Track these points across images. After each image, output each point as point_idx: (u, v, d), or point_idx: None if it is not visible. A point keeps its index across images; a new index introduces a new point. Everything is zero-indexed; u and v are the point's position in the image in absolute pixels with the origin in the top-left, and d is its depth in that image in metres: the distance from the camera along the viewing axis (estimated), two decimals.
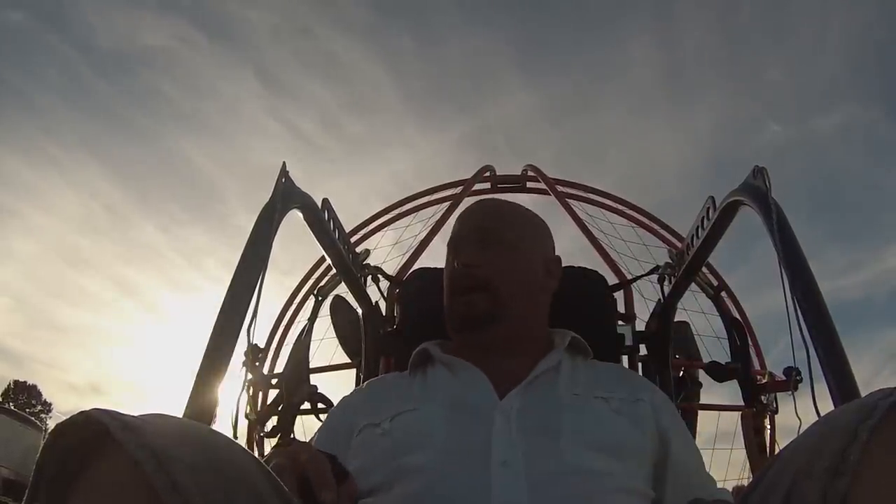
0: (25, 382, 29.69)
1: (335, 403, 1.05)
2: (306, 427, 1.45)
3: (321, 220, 1.17)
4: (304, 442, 0.73)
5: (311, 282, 2.02)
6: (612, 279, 1.51)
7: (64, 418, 0.51)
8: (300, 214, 1.11)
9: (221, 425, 0.91)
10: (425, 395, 0.88)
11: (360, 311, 1.44)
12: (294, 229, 1.12)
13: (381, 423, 0.83)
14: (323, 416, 1.32)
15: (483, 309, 0.92)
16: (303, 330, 1.52)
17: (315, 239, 1.18)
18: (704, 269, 1.51)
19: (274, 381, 1.46)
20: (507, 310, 0.93)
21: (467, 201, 2.15)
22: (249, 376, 1.38)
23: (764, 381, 1.42)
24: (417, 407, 0.84)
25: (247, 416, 1.39)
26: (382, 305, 1.46)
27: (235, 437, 1.07)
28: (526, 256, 0.99)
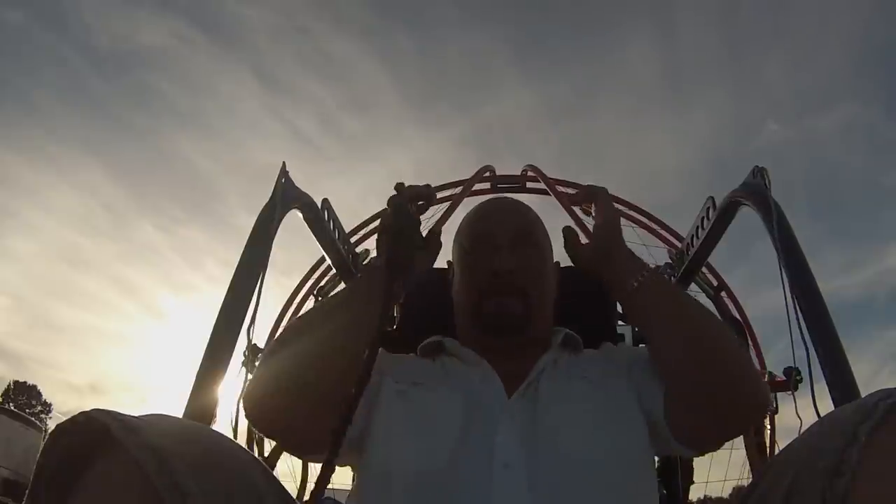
0: (25, 383, 29.73)
1: None
2: None
3: (321, 220, 1.17)
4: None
5: (311, 282, 2.02)
6: None
7: (64, 418, 0.51)
8: (300, 214, 1.11)
9: (221, 425, 0.91)
10: (443, 378, 0.89)
11: None
12: (294, 229, 1.12)
13: (400, 382, 0.84)
14: None
15: (517, 314, 0.92)
16: None
17: (315, 239, 1.18)
18: (704, 269, 1.51)
19: None
20: (535, 317, 0.93)
21: (467, 201, 2.16)
22: (249, 376, 1.38)
23: (764, 380, 1.42)
24: (435, 387, 0.85)
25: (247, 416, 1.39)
26: None
27: (235, 437, 1.07)
28: (549, 264, 1.00)
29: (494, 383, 0.85)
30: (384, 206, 0.83)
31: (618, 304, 1.38)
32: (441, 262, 1.15)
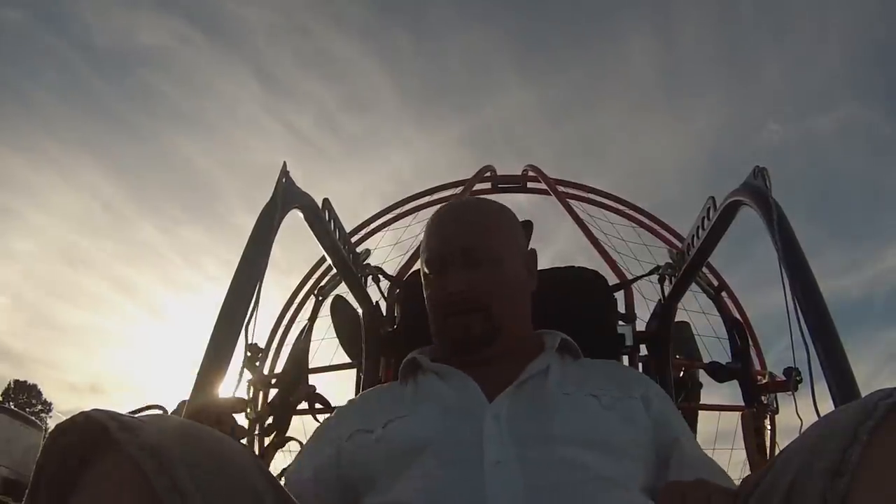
0: (25, 382, 29.74)
1: (333, 404, 1.06)
2: (306, 427, 1.45)
3: (322, 220, 1.17)
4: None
5: (311, 282, 2.03)
6: (612, 279, 1.51)
7: (64, 418, 0.51)
8: (300, 214, 1.11)
9: None
10: (416, 401, 0.89)
11: (360, 311, 1.44)
12: (294, 229, 1.12)
13: (374, 430, 0.83)
14: (321, 417, 1.32)
15: (480, 330, 0.91)
16: (303, 330, 1.52)
17: (315, 239, 1.18)
18: (705, 270, 1.51)
19: (274, 381, 1.46)
20: (501, 327, 0.93)
21: None
22: (249, 376, 1.38)
23: (764, 381, 1.42)
24: (409, 413, 0.85)
25: (246, 416, 1.39)
26: (383, 305, 1.46)
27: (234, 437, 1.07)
28: (512, 267, 0.97)
29: (471, 389, 0.85)
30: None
31: (618, 304, 1.38)
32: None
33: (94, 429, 0.47)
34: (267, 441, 1.37)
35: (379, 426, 0.83)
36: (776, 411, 1.51)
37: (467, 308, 0.92)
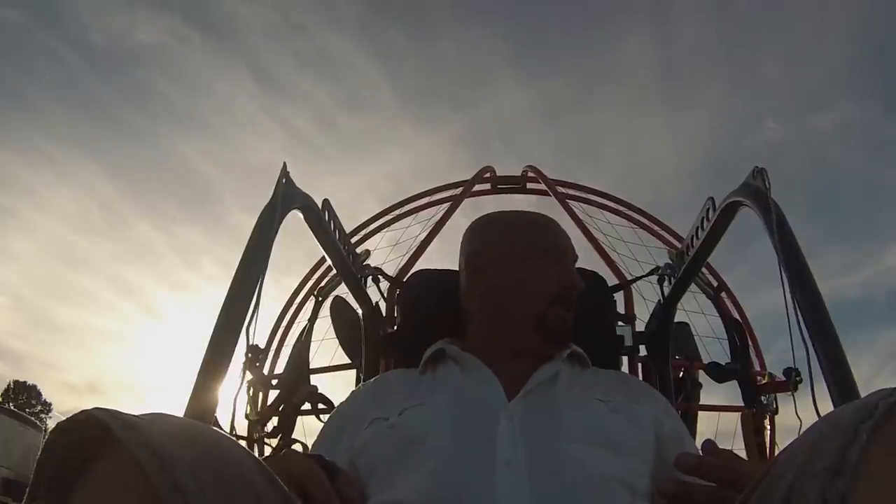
0: (25, 382, 29.72)
1: (335, 403, 1.06)
2: (307, 427, 1.45)
3: (322, 221, 1.17)
4: (296, 451, 0.73)
5: (311, 282, 2.03)
6: (611, 280, 1.52)
7: (63, 418, 0.51)
8: (300, 215, 1.11)
9: (221, 425, 0.91)
10: (434, 390, 0.89)
11: (360, 311, 1.44)
12: (294, 229, 1.12)
13: (390, 418, 0.83)
14: (323, 417, 1.32)
15: (570, 328, 0.99)
16: (303, 330, 1.52)
17: (315, 239, 1.19)
18: (704, 270, 1.51)
19: (274, 382, 1.47)
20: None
21: (467, 202, 2.16)
22: (249, 376, 1.39)
23: (764, 381, 1.43)
24: (425, 402, 0.85)
25: (247, 417, 1.40)
26: (383, 306, 1.46)
27: (234, 436, 1.07)
28: None
29: (492, 384, 0.86)
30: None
31: (617, 305, 1.39)
32: (438, 264, 1.15)
33: (95, 428, 0.47)
34: (272, 443, 1.37)
35: (395, 414, 0.84)
36: (776, 411, 1.51)
37: (574, 304, 0.99)
